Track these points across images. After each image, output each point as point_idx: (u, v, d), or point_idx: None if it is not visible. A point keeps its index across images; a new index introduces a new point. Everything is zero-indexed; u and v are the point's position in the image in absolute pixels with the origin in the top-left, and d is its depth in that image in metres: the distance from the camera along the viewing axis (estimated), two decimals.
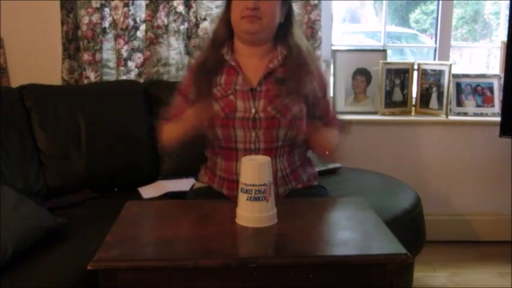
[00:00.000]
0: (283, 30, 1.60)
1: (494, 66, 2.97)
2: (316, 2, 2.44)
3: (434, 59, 2.83)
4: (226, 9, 1.61)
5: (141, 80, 2.46)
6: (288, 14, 1.61)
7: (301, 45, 1.62)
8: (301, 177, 1.65)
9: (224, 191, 1.61)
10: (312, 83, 1.59)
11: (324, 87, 1.68)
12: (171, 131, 1.56)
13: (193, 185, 1.78)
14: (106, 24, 2.43)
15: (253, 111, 1.53)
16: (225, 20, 1.60)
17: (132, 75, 2.48)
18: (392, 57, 2.97)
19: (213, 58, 1.59)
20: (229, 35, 1.61)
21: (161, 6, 2.41)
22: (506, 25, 2.36)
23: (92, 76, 2.43)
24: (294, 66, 1.58)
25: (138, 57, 2.47)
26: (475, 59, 3.29)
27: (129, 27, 2.43)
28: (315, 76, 1.61)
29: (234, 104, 1.54)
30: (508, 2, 2.34)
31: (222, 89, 1.56)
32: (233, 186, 1.55)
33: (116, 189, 2.15)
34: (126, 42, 2.43)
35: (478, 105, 2.72)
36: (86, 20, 2.40)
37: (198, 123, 1.48)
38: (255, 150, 1.55)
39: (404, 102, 2.74)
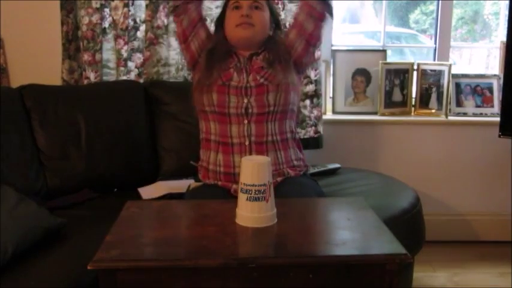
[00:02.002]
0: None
1: (493, 67, 2.97)
2: None
3: (434, 59, 2.84)
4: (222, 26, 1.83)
5: (141, 80, 2.46)
6: (275, 28, 1.85)
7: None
8: (289, 150, 1.78)
9: (220, 157, 1.72)
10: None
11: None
12: None
13: (189, 186, 1.80)
14: (106, 24, 2.44)
15: (245, 80, 1.74)
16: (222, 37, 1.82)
17: (132, 76, 2.47)
18: (392, 58, 2.97)
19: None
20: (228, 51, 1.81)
21: (161, 7, 2.41)
22: (506, 25, 2.36)
23: (92, 76, 2.43)
24: (272, 45, 1.80)
25: (138, 58, 2.47)
26: (474, 59, 3.28)
27: (129, 28, 2.43)
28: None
29: (231, 75, 1.74)
30: (508, 2, 2.34)
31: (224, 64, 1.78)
32: (229, 150, 1.71)
33: (116, 189, 2.15)
34: (126, 43, 2.44)
35: (477, 106, 2.72)
36: (85, 20, 2.40)
37: None
38: (247, 114, 1.71)
39: (404, 103, 2.74)
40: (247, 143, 1.70)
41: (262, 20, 1.76)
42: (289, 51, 1.79)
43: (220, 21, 1.85)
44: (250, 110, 1.71)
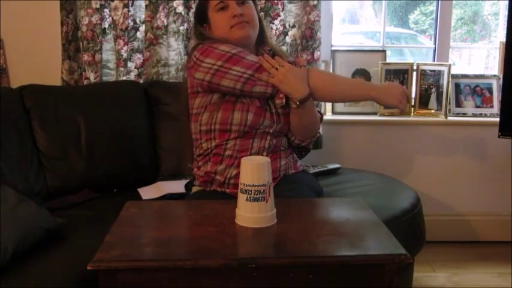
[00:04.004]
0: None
1: (493, 67, 2.97)
2: (315, 2, 2.44)
3: (434, 59, 2.84)
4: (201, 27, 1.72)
5: (141, 81, 2.47)
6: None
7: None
8: (294, 155, 1.78)
9: (233, 171, 1.61)
10: None
11: None
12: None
13: (190, 189, 1.78)
14: (106, 25, 2.44)
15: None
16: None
17: (132, 76, 2.48)
18: (392, 58, 2.97)
19: None
20: None
21: (161, 7, 2.41)
22: (505, 26, 2.37)
23: (92, 77, 2.44)
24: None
25: (138, 58, 2.47)
26: (474, 60, 3.29)
27: (129, 28, 2.44)
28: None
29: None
30: (507, 2, 2.34)
31: None
32: None
33: (116, 189, 2.16)
34: (126, 43, 2.44)
35: (477, 106, 2.73)
36: (85, 20, 2.40)
37: None
38: (273, 133, 1.66)
39: None
40: (264, 154, 1.62)
41: (254, 14, 1.68)
42: None
43: (201, 24, 1.72)
44: (276, 130, 1.66)
